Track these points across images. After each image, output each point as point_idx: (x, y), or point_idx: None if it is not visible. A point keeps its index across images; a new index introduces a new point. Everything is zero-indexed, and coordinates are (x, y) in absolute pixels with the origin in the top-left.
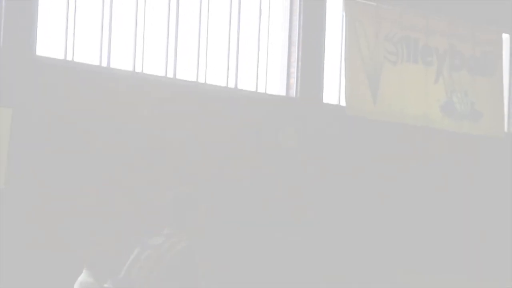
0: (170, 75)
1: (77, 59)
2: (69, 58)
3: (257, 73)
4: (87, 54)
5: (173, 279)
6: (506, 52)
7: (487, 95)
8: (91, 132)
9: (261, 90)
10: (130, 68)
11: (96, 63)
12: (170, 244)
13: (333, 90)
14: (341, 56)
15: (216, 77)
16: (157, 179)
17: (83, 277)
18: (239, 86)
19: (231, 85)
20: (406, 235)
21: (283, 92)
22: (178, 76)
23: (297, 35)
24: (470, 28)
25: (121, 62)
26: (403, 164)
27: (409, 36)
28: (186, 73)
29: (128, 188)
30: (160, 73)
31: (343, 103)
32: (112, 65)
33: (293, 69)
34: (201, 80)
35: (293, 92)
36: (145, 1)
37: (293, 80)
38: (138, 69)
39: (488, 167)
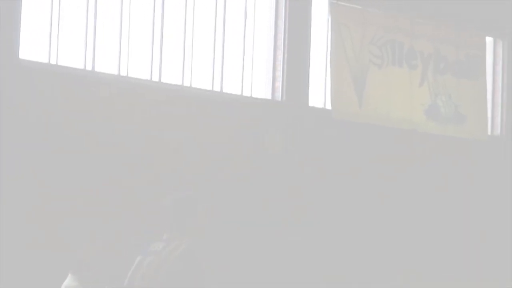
0: (155, 78)
1: (61, 62)
2: (52, 61)
3: (243, 77)
4: (71, 58)
5: (176, 283)
6: (489, 55)
7: (471, 98)
8: (77, 134)
9: (246, 93)
10: (115, 72)
11: (81, 66)
12: (171, 249)
13: (319, 94)
14: (326, 59)
15: (201, 80)
16: (146, 180)
17: (68, 281)
18: (225, 90)
19: (217, 88)
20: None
21: (268, 96)
22: (164, 80)
23: (282, 38)
24: (455, 32)
25: (106, 65)
26: (396, 165)
27: (394, 39)
28: (171, 77)
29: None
30: (145, 76)
31: (328, 106)
32: (97, 69)
33: (279, 73)
34: (187, 83)
35: (278, 96)
36: (130, 5)
37: (278, 84)
38: (123, 73)
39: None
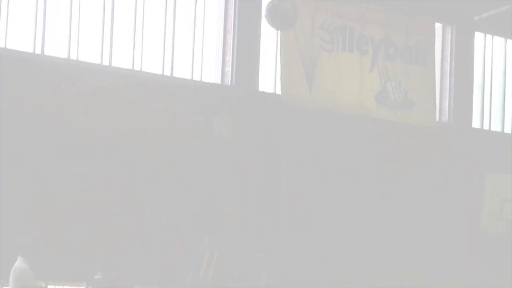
0: (105, 62)
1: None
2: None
3: (193, 61)
4: (18, 41)
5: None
6: (438, 41)
7: (419, 84)
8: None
9: (196, 78)
10: (65, 56)
11: (30, 50)
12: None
13: (269, 79)
14: (277, 44)
15: (152, 65)
16: (97, 164)
17: (18, 263)
18: (175, 74)
19: (167, 73)
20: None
21: (218, 80)
22: (114, 64)
23: (232, 23)
24: (404, 18)
25: (56, 49)
26: (349, 150)
27: (344, 25)
28: (121, 61)
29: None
30: (95, 60)
31: (279, 91)
32: (47, 53)
33: (229, 57)
34: (137, 68)
35: (228, 80)
36: None
37: (228, 68)
38: (73, 57)
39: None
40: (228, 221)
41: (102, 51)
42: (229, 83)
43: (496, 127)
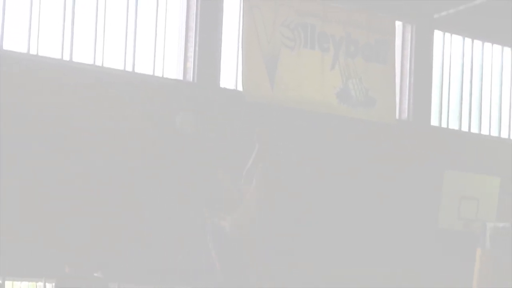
0: (66, 57)
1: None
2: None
3: (155, 57)
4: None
5: None
6: (398, 39)
7: (380, 82)
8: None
9: (158, 74)
10: (24, 50)
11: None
12: None
13: (230, 75)
14: (238, 41)
15: (113, 60)
16: (53, 161)
17: None
18: (136, 70)
19: (129, 68)
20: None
21: (180, 76)
22: (75, 59)
23: (194, 19)
24: (365, 16)
25: (15, 43)
26: (313, 147)
27: (306, 22)
28: (83, 56)
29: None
30: (56, 55)
31: (240, 88)
32: (5, 47)
33: (190, 53)
34: (98, 63)
35: (190, 76)
36: None
37: (190, 64)
38: (32, 51)
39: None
40: (229, 195)
41: (62, 46)
42: (191, 79)
43: (453, 125)
